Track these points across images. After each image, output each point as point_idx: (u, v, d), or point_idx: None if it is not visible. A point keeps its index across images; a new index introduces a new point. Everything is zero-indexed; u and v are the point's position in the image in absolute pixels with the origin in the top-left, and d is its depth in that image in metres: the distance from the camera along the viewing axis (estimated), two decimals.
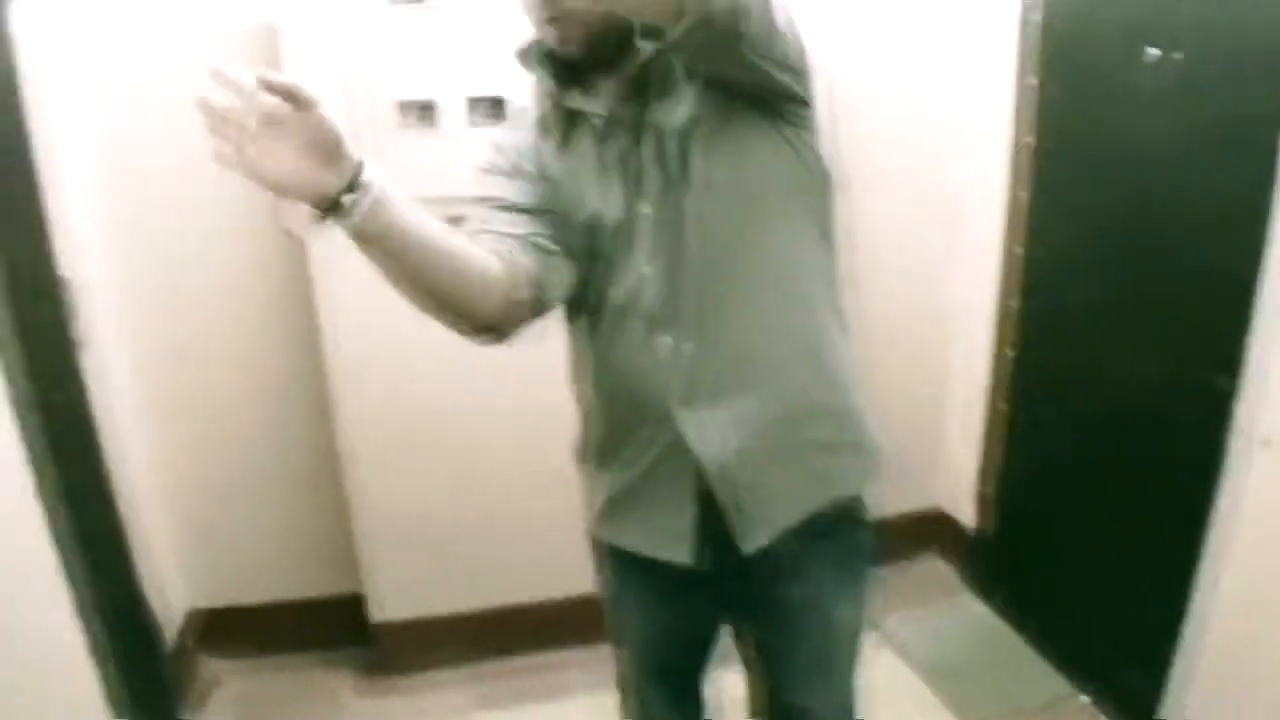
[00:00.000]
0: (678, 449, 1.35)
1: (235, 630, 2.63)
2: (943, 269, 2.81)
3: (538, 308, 1.31)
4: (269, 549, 2.63)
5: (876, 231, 2.57)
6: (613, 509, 1.47)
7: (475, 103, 2.21)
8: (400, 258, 1.15)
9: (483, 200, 1.35)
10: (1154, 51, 2.03)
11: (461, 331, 1.27)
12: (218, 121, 1.02)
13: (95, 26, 2.18)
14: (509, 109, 2.18)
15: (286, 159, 1.05)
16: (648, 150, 1.29)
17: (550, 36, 1.28)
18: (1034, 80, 2.40)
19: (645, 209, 1.30)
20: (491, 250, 1.25)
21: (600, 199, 1.32)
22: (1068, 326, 2.43)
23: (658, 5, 1.10)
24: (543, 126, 1.37)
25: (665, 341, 1.33)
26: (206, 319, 2.41)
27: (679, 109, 1.27)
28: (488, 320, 1.26)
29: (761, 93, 1.26)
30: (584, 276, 1.35)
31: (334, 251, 2.16)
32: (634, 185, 1.30)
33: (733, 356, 1.34)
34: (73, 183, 2.12)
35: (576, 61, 1.31)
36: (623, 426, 1.40)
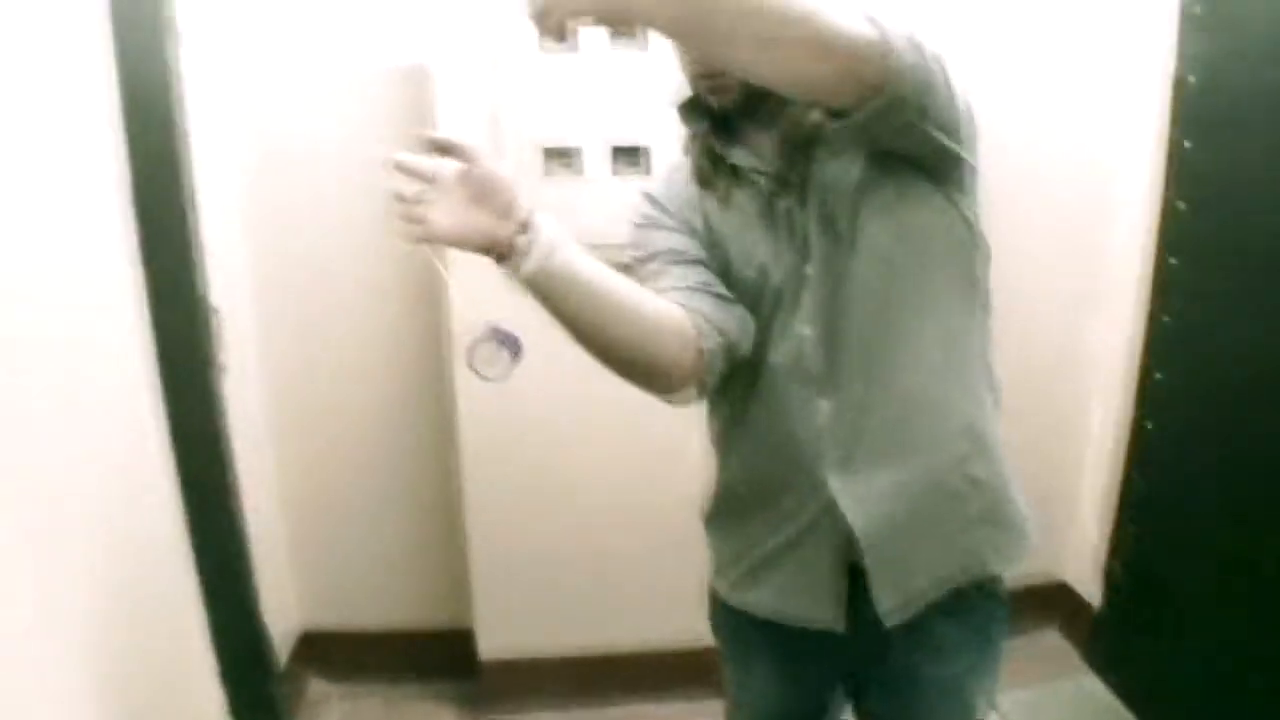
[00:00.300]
0: (828, 515, 1.31)
1: (343, 653, 2.67)
2: (1083, 333, 2.72)
3: (729, 356, 1.28)
4: (383, 575, 2.67)
5: (1016, 290, 2.48)
6: (750, 573, 1.43)
7: (619, 151, 2.23)
8: (579, 306, 1.15)
9: (649, 254, 1.33)
10: None
11: (656, 387, 1.26)
12: (400, 204, 1.06)
13: (251, 59, 2.27)
14: (651, 158, 2.22)
15: (458, 213, 1.08)
16: (814, 210, 1.26)
17: (706, 91, 1.27)
18: (1187, 143, 2.32)
19: (809, 270, 1.28)
20: (673, 300, 1.24)
21: (765, 257, 1.29)
22: (1213, 402, 2.31)
23: (842, 91, 1.07)
24: (702, 180, 1.35)
25: (824, 406, 1.30)
26: (337, 345, 2.48)
27: (851, 171, 1.24)
28: (679, 371, 1.24)
29: (930, 160, 1.23)
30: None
31: (471, 284, 2.23)
32: (799, 245, 1.28)
33: (892, 423, 1.30)
34: (220, 209, 2.20)
35: (733, 113, 1.29)
36: (768, 490, 1.37)
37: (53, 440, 1.45)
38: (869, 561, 1.31)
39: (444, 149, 1.06)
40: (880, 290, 1.27)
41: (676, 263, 1.31)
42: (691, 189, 1.36)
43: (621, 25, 1.13)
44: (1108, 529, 2.70)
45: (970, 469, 1.34)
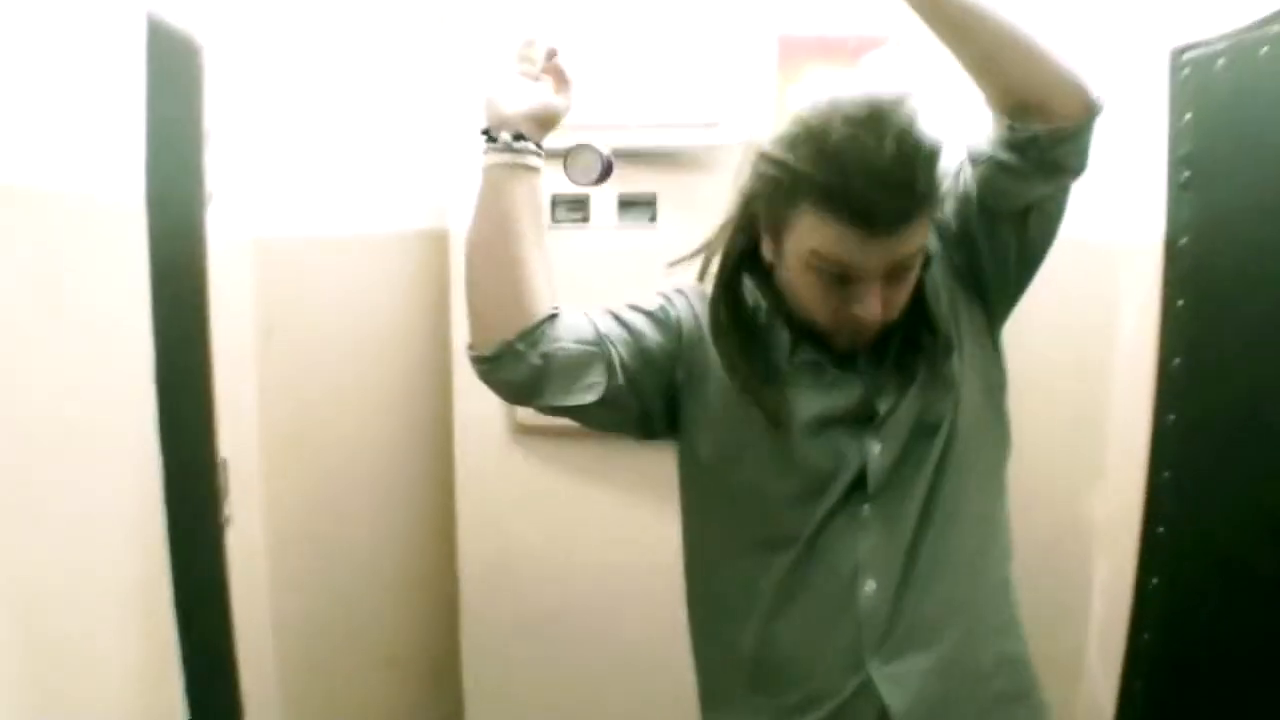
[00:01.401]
0: (865, 698, 1.31)
1: None
2: (1085, 495, 2.73)
3: (559, 374, 1.31)
4: None
5: (1020, 456, 2.51)
6: None
7: (626, 202, 2.32)
8: (505, 219, 1.28)
9: (622, 319, 1.39)
10: None
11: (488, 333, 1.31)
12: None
13: (272, 217, 2.35)
14: (658, 206, 2.27)
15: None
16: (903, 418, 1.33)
17: (851, 335, 1.30)
18: (1181, 302, 2.37)
19: (877, 449, 1.34)
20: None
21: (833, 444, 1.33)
22: (1213, 558, 2.30)
23: (1070, 92, 1.18)
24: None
25: (869, 587, 1.30)
26: (345, 502, 2.48)
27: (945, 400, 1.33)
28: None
29: (1029, 249, 1.36)
30: (775, 512, 1.34)
31: (479, 459, 2.30)
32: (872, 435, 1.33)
33: (935, 605, 1.33)
34: (236, 362, 2.24)
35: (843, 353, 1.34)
36: (795, 672, 1.37)
37: (58, 601, 1.44)
38: None
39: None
40: (934, 476, 1.32)
41: (626, 324, 1.37)
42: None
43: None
44: (1114, 687, 2.64)
45: (1005, 646, 1.36)
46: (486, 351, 1.30)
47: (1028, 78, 1.18)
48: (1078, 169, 1.28)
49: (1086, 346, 2.65)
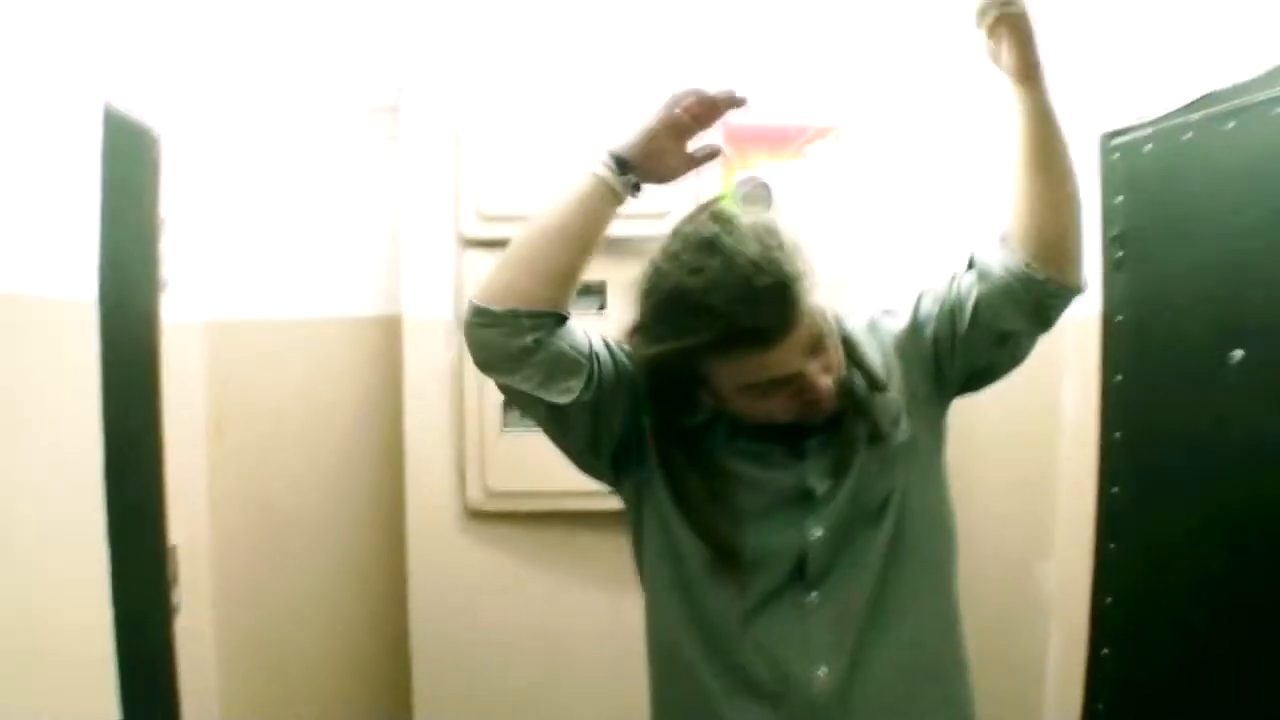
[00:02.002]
0: None
1: None
2: (1036, 562, 2.76)
3: (543, 365, 1.33)
4: None
5: (971, 532, 2.55)
6: None
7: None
8: (585, 227, 1.33)
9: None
10: (1239, 353, 2.08)
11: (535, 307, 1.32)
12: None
13: (226, 300, 2.36)
14: (607, 293, 2.33)
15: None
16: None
17: (802, 410, 1.31)
18: (1119, 376, 2.44)
19: (816, 537, 1.35)
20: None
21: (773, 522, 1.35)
22: (1159, 629, 2.34)
23: (1079, 262, 1.32)
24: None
25: (821, 673, 1.33)
26: (297, 588, 2.46)
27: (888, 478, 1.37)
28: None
29: (979, 380, 1.44)
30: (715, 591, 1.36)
31: (432, 543, 2.30)
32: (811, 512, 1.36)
33: (880, 689, 1.34)
34: (189, 447, 2.23)
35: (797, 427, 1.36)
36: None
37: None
38: None
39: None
40: (882, 568, 1.35)
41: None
42: None
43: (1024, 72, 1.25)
44: None
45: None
46: (495, 308, 1.32)
47: (1064, 232, 1.32)
48: (1048, 326, 1.40)
49: (1032, 422, 2.71)
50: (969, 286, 1.37)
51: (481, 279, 1.36)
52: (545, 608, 2.39)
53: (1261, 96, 2.05)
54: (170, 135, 2.11)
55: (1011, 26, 1.21)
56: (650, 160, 1.36)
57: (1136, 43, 2.40)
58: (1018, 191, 1.31)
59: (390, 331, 2.31)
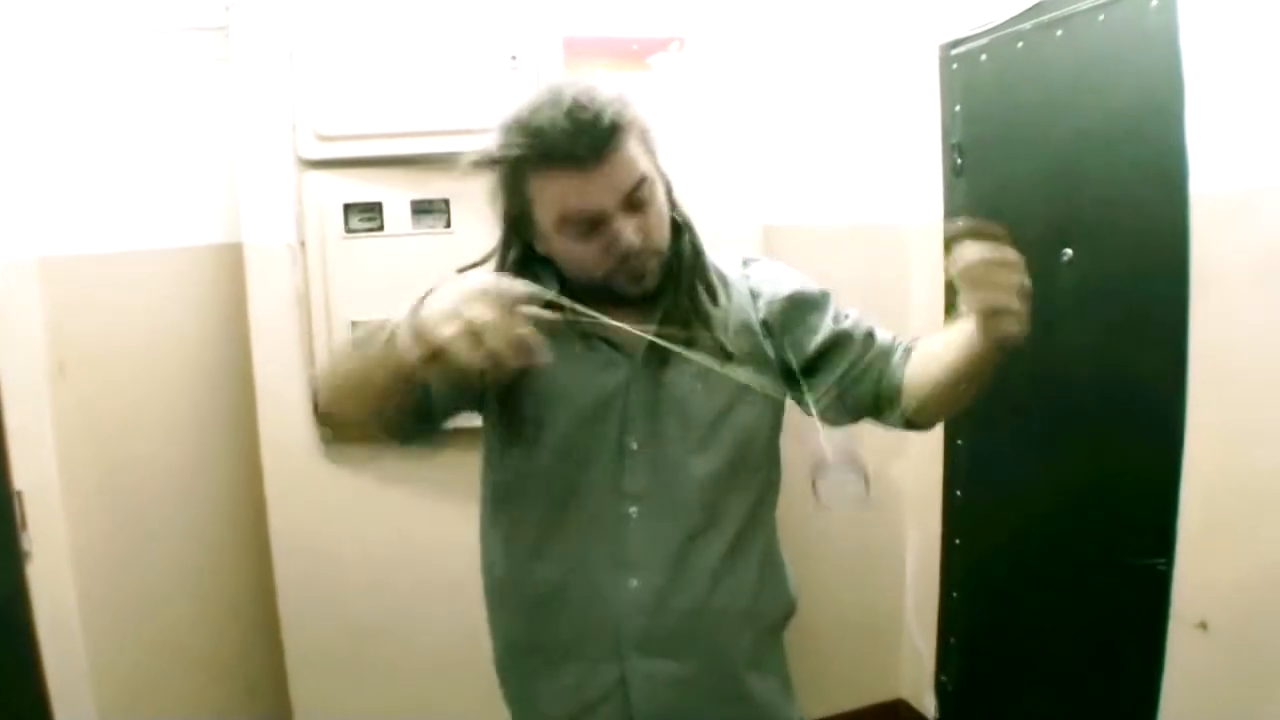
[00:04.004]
0: (619, 693, 1.38)
1: None
2: (890, 464, 2.88)
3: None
4: None
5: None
6: None
7: None
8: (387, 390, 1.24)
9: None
10: (1069, 251, 2.19)
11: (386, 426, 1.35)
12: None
13: (58, 235, 2.25)
14: None
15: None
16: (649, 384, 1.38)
17: (629, 276, 1.32)
18: None
19: (633, 443, 1.37)
20: None
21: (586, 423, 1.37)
22: (1006, 517, 2.49)
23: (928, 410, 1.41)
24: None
25: (632, 582, 1.37)
26: (155, 526, 2.41)
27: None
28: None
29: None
30: (544, 493, 1.38)
31: (288, 474, 2.28)
32: (630, 418, 1.37)
33: (693, 609, 1.38)
34: (29, 390, 2.15)
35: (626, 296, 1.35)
36: (559, 656, 1.41)
37: None
38: None
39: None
40: (704, 474, 1.38)
41: None
42: None
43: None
44: (935, 646, 2.81)
45: (758, 652, 1.45)
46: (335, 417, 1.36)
47: (950, 411, 1.43)
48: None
49: (883, 322, 2.81)
50: (869, 360, 1.44)
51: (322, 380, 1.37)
52: (407, 530, 2.40)
53: (1088, 4, 2.14)
54: None
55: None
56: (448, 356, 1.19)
57: None
58: (936, 374, 1.35)
59: (233, 260, 2.25)
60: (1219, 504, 1.86)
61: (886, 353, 1.44)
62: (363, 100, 2.22)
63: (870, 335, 1.46)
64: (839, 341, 1.45)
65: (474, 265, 1.41)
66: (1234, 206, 1.83)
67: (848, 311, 1.49)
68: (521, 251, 1.38)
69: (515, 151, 1.26)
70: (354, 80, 2.22)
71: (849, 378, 1.44)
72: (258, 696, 2.53)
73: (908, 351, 1.43)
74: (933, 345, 1.37)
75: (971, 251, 1.16)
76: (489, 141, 1.30)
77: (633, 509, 1.37)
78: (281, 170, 2.25)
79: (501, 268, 1.39)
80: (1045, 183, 2.29)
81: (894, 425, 1.45)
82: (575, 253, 1.30)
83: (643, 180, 1.28)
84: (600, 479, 1.36)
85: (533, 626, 1.42)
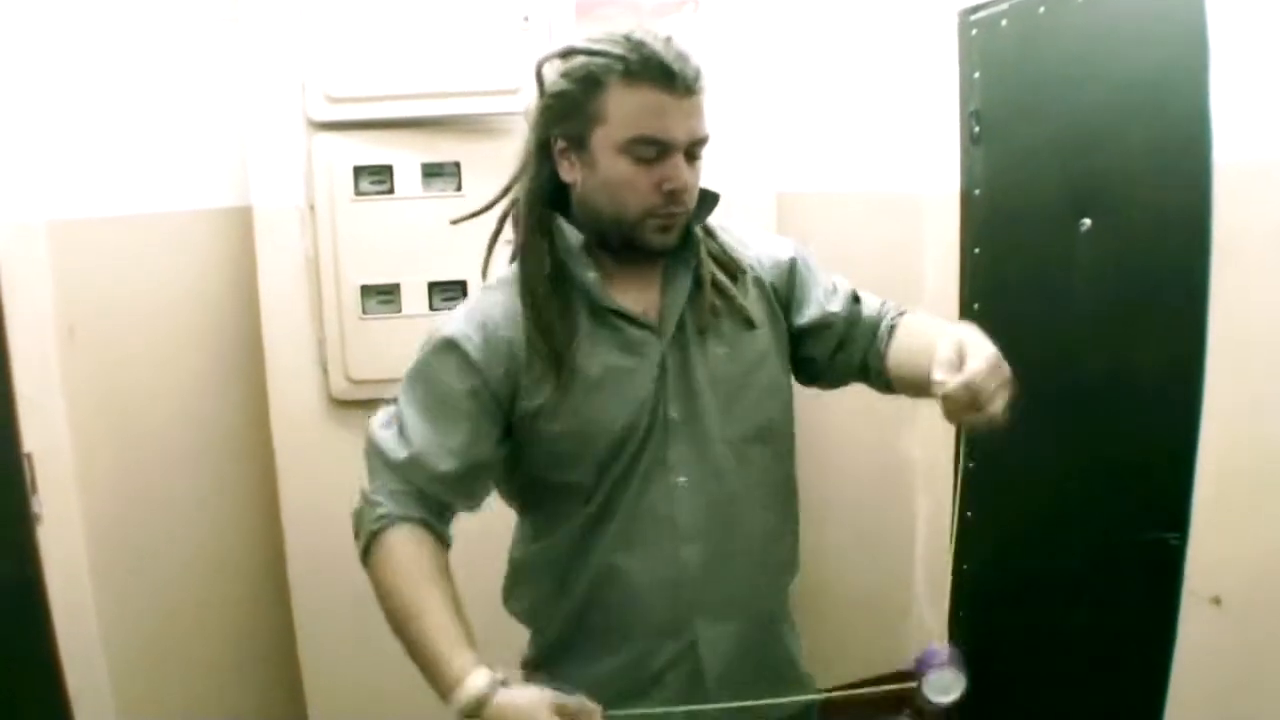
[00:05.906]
0: (687, 660, 1.39)
1: None
2: (901, 433, 2.87)
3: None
4: None
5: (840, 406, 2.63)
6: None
7: (436, 286, 2.29)
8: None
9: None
10: (1087, 221, 2.15)
11: None
12: None
13: (67, 198, 2.24)
14: (470, 290, 2.24)
15: None
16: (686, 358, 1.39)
17: (658, 228, 1.31)
18: (977, 249, 2.52)
19: (675, 416, 1.37)
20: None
21: (634, 404, 1.36)
22: (1019, 489, 2.47)
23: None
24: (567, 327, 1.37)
25: (692, 553, 1.37)
26: (165, 489, 2.41)
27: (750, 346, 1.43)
28: None
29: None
30: (592, 481, 1.37)
31: (298, 435, 2.27)
32: (670, 396, 1.38)
33: (747, 569, 1.41)
34: (39, 354, 2.14)
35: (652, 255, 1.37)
36: (619, 635, 1.41)
37: None
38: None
39: None
40: (739, 436, 1.39)
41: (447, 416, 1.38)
42: (517, 336, 1.36)
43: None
44: (945, 616, 2.80)
45: (787, 607, 1.52)
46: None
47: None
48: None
49: (894, 294, 2.78)
50: (866, 330, 1.48)
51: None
52: None
53: None
54: None
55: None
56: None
57: None
58: (915, 367, 1.35)
59: (243, 223, 2.24)
60: (1235, 479, 1.84)
61: (872, 327, 1.48)
62: (373, 61, 2.20)
63: (857, 306, 1.50)
64: (829, 320, 1.47)
65: (477, 213, 1.39)
66: (1258, 176, 1.79)
67: (835, 280, 1.52)
68: (548, 177, 1.35)
69: (617, 52, 1.24)
70: (364, 41, 2.20)
71: (837, 354, 1.49)
72: (266, 658, 2.54)
73: (892, 328, 1.47)
74: (917, 339, 1.40)
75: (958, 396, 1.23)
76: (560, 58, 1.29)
77: (681, 479, 1.37)
78: (291, 132, 2.24)
79: (520, 192, 1.37)
80: (1064, 151, 2.25)
81: (881, 391, 1.51)
82: (628, 177, 1.28)
83: (706, 137, 1.30)
84: (647, 454, 1.36)
85: (590, 610, 1.42)
